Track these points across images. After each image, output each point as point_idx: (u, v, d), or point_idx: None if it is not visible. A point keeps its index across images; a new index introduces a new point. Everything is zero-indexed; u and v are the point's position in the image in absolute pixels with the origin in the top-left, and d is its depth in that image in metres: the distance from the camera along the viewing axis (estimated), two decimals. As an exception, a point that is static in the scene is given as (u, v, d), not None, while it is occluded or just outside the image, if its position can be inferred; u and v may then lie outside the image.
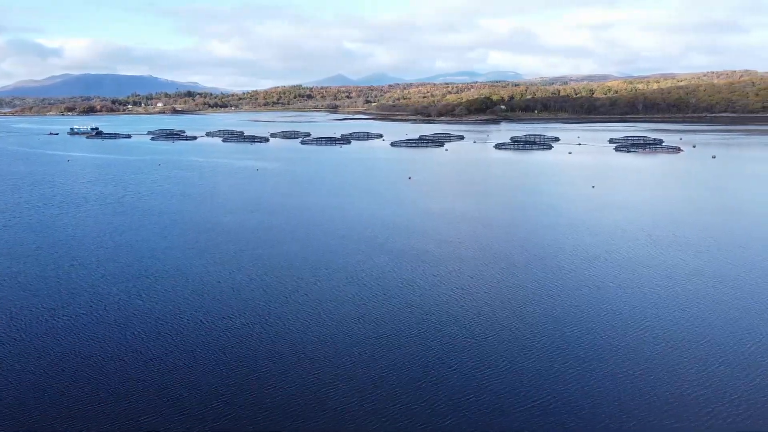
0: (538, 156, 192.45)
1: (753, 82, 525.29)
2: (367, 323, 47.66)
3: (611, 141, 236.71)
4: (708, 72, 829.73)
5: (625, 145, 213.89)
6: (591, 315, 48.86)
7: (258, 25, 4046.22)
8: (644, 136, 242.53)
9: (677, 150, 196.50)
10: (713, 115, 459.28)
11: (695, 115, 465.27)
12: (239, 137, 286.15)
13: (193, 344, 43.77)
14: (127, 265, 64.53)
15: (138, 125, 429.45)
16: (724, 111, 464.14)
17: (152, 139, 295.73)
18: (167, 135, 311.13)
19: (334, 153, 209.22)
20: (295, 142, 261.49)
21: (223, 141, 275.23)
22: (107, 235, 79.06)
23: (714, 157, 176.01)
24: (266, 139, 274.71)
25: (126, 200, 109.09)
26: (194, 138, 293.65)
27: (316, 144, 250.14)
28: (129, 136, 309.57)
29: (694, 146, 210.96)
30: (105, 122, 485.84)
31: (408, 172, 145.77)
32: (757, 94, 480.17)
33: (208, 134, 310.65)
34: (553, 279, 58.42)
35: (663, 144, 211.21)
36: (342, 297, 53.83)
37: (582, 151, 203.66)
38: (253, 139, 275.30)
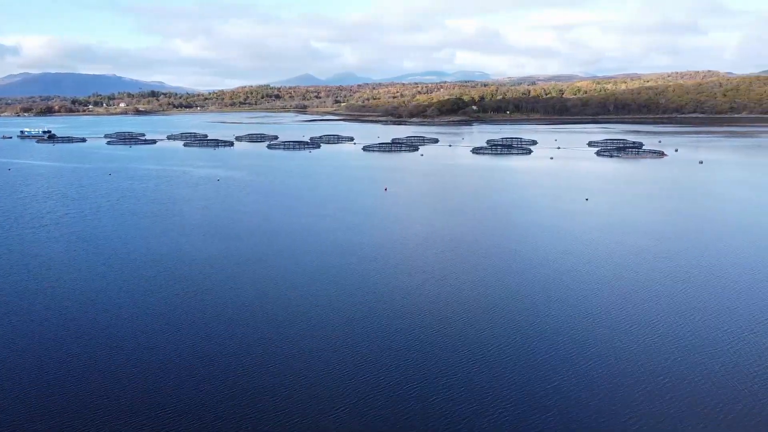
0: (518, 162, 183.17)
1: (720, 83, 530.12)
2: (344, 394, 36.28)
3: (591, 144, 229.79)
4: (672, 72, 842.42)
5: (607, 150, 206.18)
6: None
7: (223, 24, 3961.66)
8: (623, 139, 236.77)
9: (661, 154, 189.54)
10: (683, 115, 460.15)
11: (665, 115, 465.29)
12: (202, 141, 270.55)
13: None
14: (44, 319, 51.73)
15: (96, 127, 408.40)
16: (694, 112, 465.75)
17: (108, 143, 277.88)
18: (125, 138, 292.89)
19: (303, 159, 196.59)
20: (262, 146, 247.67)
21: (185, 145, 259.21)
22: (32, 273, 65.69)
23: (701, 162, 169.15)
24: (231, 143, 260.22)
25: (65, 221, 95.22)
26: (154, 142, 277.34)
27: (284, 148, 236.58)
28: (84, 140, 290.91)
29: (677, 150, 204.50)
30: (62, 124, 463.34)
31: (383, 182, 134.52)
32: (724, 95, 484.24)
33: (169, 137, 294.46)
34: (578, 326, 47.88)
35: (645, 148, 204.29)
36: (316, 365, 42.22)
37: (563, 155, 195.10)
38: (216, 143, 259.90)
